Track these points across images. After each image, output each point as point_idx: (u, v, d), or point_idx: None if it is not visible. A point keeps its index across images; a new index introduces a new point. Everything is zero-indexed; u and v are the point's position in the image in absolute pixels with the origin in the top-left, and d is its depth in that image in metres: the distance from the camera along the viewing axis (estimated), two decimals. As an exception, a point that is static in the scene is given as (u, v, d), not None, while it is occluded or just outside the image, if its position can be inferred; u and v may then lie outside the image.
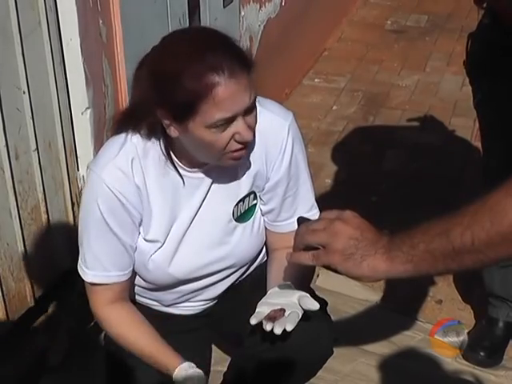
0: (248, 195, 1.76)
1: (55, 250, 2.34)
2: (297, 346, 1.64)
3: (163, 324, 1.86)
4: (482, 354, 2.37)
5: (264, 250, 1.90)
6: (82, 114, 2.31)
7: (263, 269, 1.85)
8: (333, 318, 1.88)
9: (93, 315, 1.78)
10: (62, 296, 2.36)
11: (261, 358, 1.70)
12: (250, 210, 1.79)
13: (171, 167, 1.66)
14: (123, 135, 1.65)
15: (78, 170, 2.39)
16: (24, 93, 2.09)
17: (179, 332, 1.88)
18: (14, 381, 2.15)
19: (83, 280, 1.73)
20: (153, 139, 1.63)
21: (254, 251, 1.85)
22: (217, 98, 1.48)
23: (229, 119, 1.51)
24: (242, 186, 1.74)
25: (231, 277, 1.86)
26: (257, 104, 1.58)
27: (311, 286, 1.86)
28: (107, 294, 1.73)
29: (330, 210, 1.30)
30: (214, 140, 1.53)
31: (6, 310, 2.18)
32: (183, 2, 2.70)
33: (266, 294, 1.68)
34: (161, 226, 1.70)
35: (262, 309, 1.60)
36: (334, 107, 4.02)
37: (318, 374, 1.84)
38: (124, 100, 2.44)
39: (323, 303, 1.81)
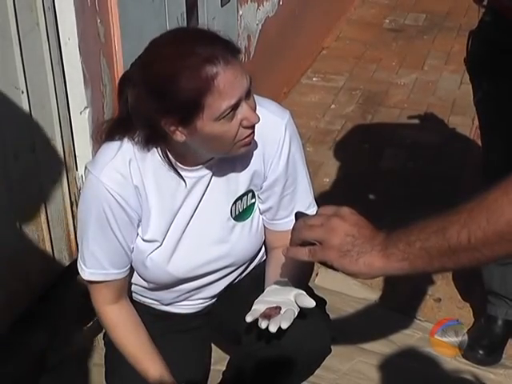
0: (246, 193, 1.76)
1: (54, 249, 2.34)
2: (294, 344, 1.64)
3: (163, 323, 1.87)
4: (481, 352, 2.37)
5: (263, 249, 1.90)
6: (81, 113, 2.31)
7: (262, 268, 1.86)
8: (331, 316, 1.88)
9: (95, 313, 1.81)
10: (62, 296, 2.36)
11: (258, 357, 1.70)
12: (249, 209, 1.79)
13: (169, 168, 1.65)
14: (119, 139, 1.64)
15: (77, 169, 2.38)
16: (22, 92, 2.09)
17: (179, 331, 1.89)
18: (14, 380, 2.15)
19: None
20: (150, 144, 1.63)
21: (252, 250, 1.85)
22: (220, 88, 1.48)
23: (234, 105, 1.51)
24: (239, 184, 1.74)
25: (230, 275, 1.86)
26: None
27: (310, 284, 1.86)
28: (106, 291, 1.74)
29: (328, 206, 1.30)
30: (224, 131, 1.53)
31: (6, 310, 2.18)
32: (181, 2, 2.70)
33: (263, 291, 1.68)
34: (159, 226, 1.71)
35: (258, 306, 1.60)
36: (333, 106, 4.01)
37: (317, 372, 1.84)
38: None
39: (322, 302, 1.81)
